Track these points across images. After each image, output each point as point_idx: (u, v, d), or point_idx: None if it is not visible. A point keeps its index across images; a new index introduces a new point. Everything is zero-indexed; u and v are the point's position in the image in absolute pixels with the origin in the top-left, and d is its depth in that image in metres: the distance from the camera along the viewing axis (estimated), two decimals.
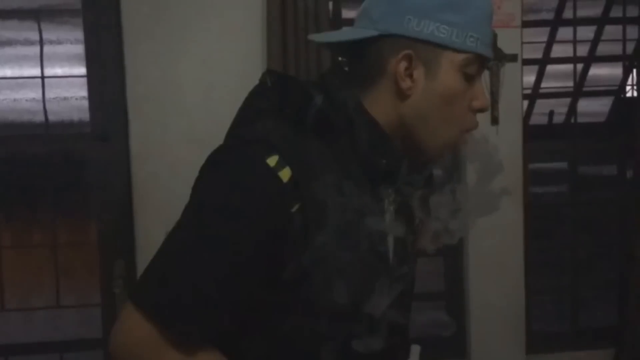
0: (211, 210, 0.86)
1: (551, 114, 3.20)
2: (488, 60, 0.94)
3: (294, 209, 0.85)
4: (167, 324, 0.84)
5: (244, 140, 0.90)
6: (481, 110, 0.95)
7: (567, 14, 3.09)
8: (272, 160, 0.86)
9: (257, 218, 0.85)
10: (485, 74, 2.42)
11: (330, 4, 2.41)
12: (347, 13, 2.53)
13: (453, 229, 0.93)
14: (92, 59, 2.37)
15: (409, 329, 1.07)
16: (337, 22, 2.52)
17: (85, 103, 2.42)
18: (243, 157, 0.87)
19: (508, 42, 2.41)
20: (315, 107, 0.90)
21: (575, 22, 2.83)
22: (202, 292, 0.84)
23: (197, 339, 0.86)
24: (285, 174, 0.85)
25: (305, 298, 0.88)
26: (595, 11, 3.23)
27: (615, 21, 3.09)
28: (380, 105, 0.93)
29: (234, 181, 0.86)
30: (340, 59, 1.02)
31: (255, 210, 0.85)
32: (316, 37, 1.04)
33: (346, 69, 0.98)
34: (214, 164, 0.90)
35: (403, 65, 0.90)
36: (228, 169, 0.88)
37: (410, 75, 0.91)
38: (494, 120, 2.41)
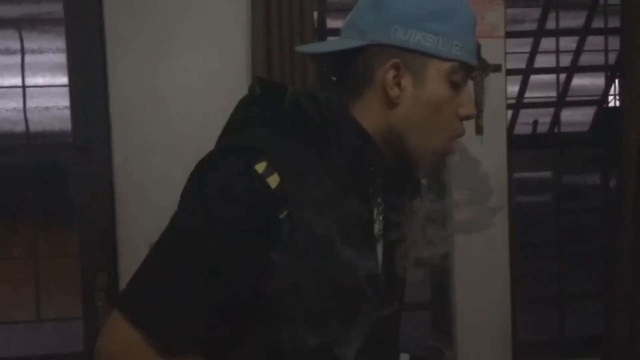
0: (199, 217, 0.86)
1: (535, 123, 3.22)
2: (473, 68, 0.96)
3: (282, 216, 0.85)
4: (153, 331, 0.84)
5: (233, 147, 0.90)
6: (468, 117, 0.96)
7: (550, 24, 3.12)
8: (260, 167, 0.86)
9: (246, 225, 0.84)
10: (470, 84, 2.43)
11: (315, 14, 2.41)
12: (332, 23, 2.53)
13: (437, 248, 0.94)
14: (74, 69, 2.34)
15: (398, 339, 1.07)
16: (322, 32, 2.52)
17: (67, 113, 2.39)
18: (231, 163, 0.88)
19: (492, 52, 2.42)
20: (304, 115, 0.91)
21: (557, 33, 2.86)
22: (189, 299, 0.84)
23: (184, 346, 0.86)
24: (273, 180, 0.85)
25: (291, 308, 0.87)
26: (577, 22, 3.27)
27: (597, 32, 3.13)
28: (368, 114, 0.94)
29: (222, 187, 0.86)
30: (324, 69, 1.02)
31: (243, 217, 0.85)
32: (304, 48, 1.05)
33: (333, 79, 0.99)
34: (203, 170, 0.90)
35: (391, 73, 0.91)
36: (216, 175, 0.88)
37: (399, 84, 0.92)
38: (479, 130, 2.42)
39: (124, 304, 0.86)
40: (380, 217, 0.97)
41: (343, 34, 0.97)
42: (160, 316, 0.84)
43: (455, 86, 0.93)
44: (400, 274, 0.99)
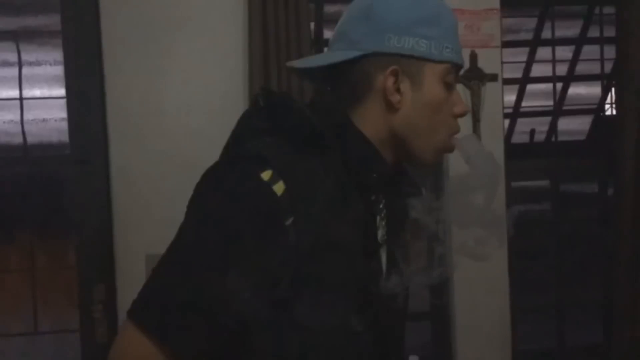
0: (206, 226, 0.87)
1: (532, 132, 3.23)
2: (462, 67, 1.00)
3: (288, 222, 0.86)
4: (167, 341, 0.84)
5: (238, 157, 0.92)
6: (462, 114, 1.01)
7: (546, 34, 3.14)
8: (266, 175, 0.87)
9: (253, 233, 0.85)
10: (467, 94, 2.44)
11: (312, 25, 2.42)
12: (329, 34, 2.54)
13: (436, 275, 0.97)
14: (71, 80, 2.34)
15: (404, 343, 1.09)
16: (319, 43, 2.53)
17: (65, 125, 2.39)
18: (237, 172, 0.89)
19: (488, 62, 2.43)
20: (307, 124, 0.92)
21: (553, 42, 2.87)
22: (201, 308, 0.85)
23: (199, 355, 0.86)
24: (279, 188, 0.87)
25: (299, 316, 0.88)
26: (573, 31, 3.29)
27: (593, 41, 3.15)
28: (369, 121, 0.97)
29: (229, 196, 0.87)
30: (318, 81, 1.04)
31: (251, 225, 0.86)
32: (296, 64, 1.06)
33: (329, 89, 1.01)
34: (209, 180, 0.91)
35: (391, 80, 0.95)
36: (222, 184, 0.89)
37: (398, 89, 0.95)
38: None
39: (137, 314, 0.86)
40: (383, 223, 1.00)
41: (334, 45, 1.00)
42: (174, 326, 0.85)
43: (449, 86, 0.98)
44: (403, 280, 1.00)
